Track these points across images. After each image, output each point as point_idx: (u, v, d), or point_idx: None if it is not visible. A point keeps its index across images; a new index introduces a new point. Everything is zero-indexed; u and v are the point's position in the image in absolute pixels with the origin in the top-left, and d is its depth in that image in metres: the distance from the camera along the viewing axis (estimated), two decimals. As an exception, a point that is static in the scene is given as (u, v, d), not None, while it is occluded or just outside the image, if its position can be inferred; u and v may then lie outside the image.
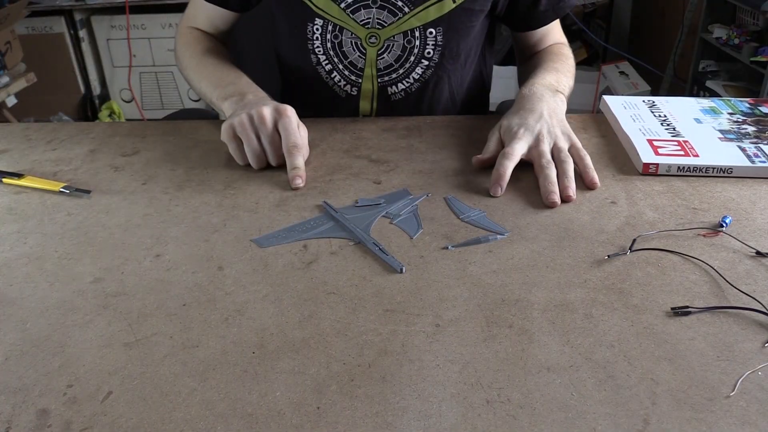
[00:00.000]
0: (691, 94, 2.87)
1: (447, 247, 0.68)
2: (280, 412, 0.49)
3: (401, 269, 0.64)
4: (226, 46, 1.12)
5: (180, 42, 1.09)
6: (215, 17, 1.08)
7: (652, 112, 0.96)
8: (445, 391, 0.50)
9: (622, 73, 3.20)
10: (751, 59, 2.37)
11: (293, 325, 0.57)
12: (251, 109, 0.83)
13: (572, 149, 0.82)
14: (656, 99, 1.01)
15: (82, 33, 3.21)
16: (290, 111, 0.83)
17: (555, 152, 0.81)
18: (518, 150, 0.80)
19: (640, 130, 0.89)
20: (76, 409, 0.49)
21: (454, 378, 0.51)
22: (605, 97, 1.00)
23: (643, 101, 1.00)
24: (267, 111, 0.82)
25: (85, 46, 3.24)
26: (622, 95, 1.04)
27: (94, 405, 0.50)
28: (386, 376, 0.52)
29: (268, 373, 0.52)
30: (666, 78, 3.06)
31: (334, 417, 0.48)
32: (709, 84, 2.69)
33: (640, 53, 3.34)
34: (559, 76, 0.97)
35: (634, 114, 0.95)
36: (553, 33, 1.12)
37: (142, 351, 0.55)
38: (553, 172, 0.78)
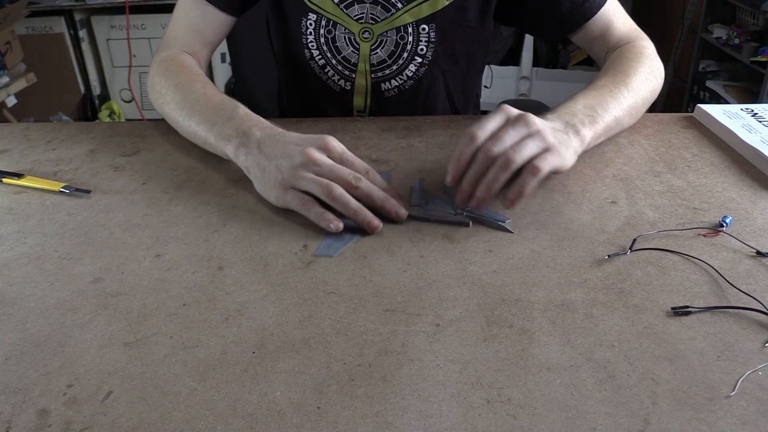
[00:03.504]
0: (691, 95, 2.86)
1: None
2: (281, 412, 0.49)
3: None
4: (205, 65, 1.02)
5: (156, 71, 0.95)
6: (205, 26, 1.00)
7: (759, 121, 0.93)
8: (446, 391, 0.50)
9: (622, 73, 3.19)
10: (752, 59, 2.38)
11: (293, 325, 0.57)
12: (294, 156, 0.71)
13: (534, 137, 0.68)
14: (753, 107, 0.98)
15: (82, 33, 3.22)
16: (332, 140, 0.73)
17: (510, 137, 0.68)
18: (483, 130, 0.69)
19: (762, 141, 0.86)
20: (76, 409, 0.49)
21: (454, 378, 0.51)
22: (702, 105, 0.97)
23: (742, 109, 0.97)
24: (315, 153, 0.70)
25: (85, 46, 3.25)
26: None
27: (94, 405, 0.50)
28: (386, 376, 0.52)
29: (268, 373, 0.52)
30: (666, 78, 3.06)
31: (335, 417, 0.48)
32: (709, 84, 2.70)
33: (640, 53, 3.34)
34: (598, 99, 0.81)
35: (744, 124, 0.91)
36: (613, 29, 0.98)
37: (142, 351, 0.55)
38: (478, 169, 0.68)
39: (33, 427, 0.48)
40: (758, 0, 2.36)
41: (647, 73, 0.90)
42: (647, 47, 0.95)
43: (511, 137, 0.68)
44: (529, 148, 0.67)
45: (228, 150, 0.77)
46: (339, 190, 0.68)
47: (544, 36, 1.06)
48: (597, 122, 0.78)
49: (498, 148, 0.67)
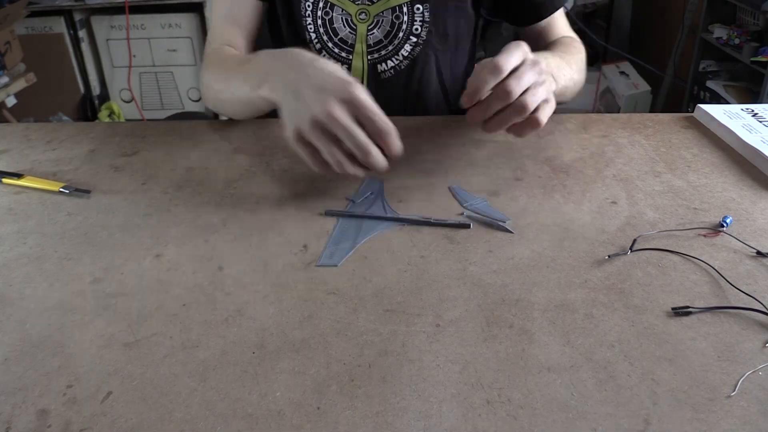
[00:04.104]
0: (691, 95, 2.86)
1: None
2: (280, 413, 0.49)
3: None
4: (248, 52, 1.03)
5: (204, 72, 0.99)
6: (240, 15, 1.02)
7: (760, 121, 0.93)
8: (446, 392, 0.50)
9: (622, 73, 3.20)
10: (752, 59, 2.37)
11: (293, 326, 0.57)
12: (314, 106, 0.68)
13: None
14: (754, 107, 0.98)
15: (82, 33, 3.21)
16: (357, 91, 0.69)
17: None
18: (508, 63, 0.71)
19: (762, 141, 0.86)
20: (75, 410, 0.49)
21: (454, 378, 0.51)
22: (702, 105, 0.97)
23: (742, 109, 0.97)
24: (336, 110, 0.67)
25: (85, 47, 3.25)
26: (720, 104, 0.97)
27: (94, 405, 0.50)
28: (386, 377, 0.52)
29: (268, 374, 0.52)
30: (666, 78, 3.06)
31: (335, 417, 0.48)
32: (709, 84, 2.69)
33: (641, 53, 3.34)
34: (560, 62, 0.88)
35: (744, 124, 0.91)
36: (558, 27, 1.07)
37: (142, 351, 0.55)
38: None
39: (33, 428, 0.48)
40: (758, 0, 2.36)
41: (581, 64, 0.98)
42: (582, 49, 1.02)
43: (528, 79, 0.71)
44: (539, 97, 0.72)
45: (263, 92, 0.76)
46: (347, 167, 0.69)
47: (514, 21, 1.09)
48: (559, 82, 0.83)
49: (517, 90, 0.70)
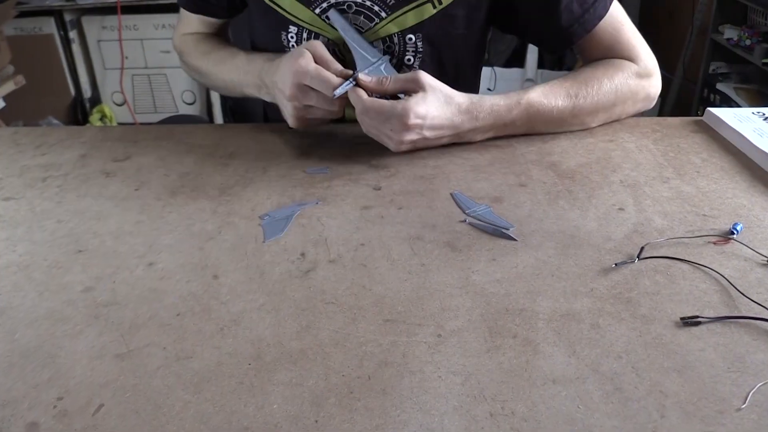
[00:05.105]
0: (701, 97, 2.85)
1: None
2: (277, 426, 0.48)
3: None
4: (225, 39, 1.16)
5: (184, 51, 1.11)
6: (206, 21, 1.10)
7: None
8: (447, 404, 0.49)
9: (630, 75, 3.19)
10: (764, 61, 2.35)
11: (290, 336, 0.56)
12: (282, 100, 0.88)
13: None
14: (765, 110, 0.97)
15: (73, 34, 3.19)
16: (300, 67, 0.84)
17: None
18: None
19: None
20: (66, 423, 0.48)
21: (456, 390, 0.51)
22: (711, 109, 0.96)
23: (753, 113, 0.96)
24: (292, 90, 0.84)
25: (76, 48, 3.22)
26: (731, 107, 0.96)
27: (85, 418, 0.49)
28: (386, 389, 0.51)
29: (265, 385, 0.51)
30: (675, 80, 3.05)
31: (333, 430, 0.47)
32: (719, 86, 2.68)
33: (649, 54, 3.34)
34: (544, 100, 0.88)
35: (755, 128, 0.90)
36: (618, 44, 0.95)
37: (135, 362, 0.54)
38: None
39: (21, 443, 0.47)
40: (770, 0, 2.34)
41: (613, 92, 0.92)
42: (637, 68, 0.94)
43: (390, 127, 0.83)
44: (383, 131, 0.85)
45: (263, 95, 0.96)
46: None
47: (548, 50, 1.03)
48: (494, 124, 0.89)
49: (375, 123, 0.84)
